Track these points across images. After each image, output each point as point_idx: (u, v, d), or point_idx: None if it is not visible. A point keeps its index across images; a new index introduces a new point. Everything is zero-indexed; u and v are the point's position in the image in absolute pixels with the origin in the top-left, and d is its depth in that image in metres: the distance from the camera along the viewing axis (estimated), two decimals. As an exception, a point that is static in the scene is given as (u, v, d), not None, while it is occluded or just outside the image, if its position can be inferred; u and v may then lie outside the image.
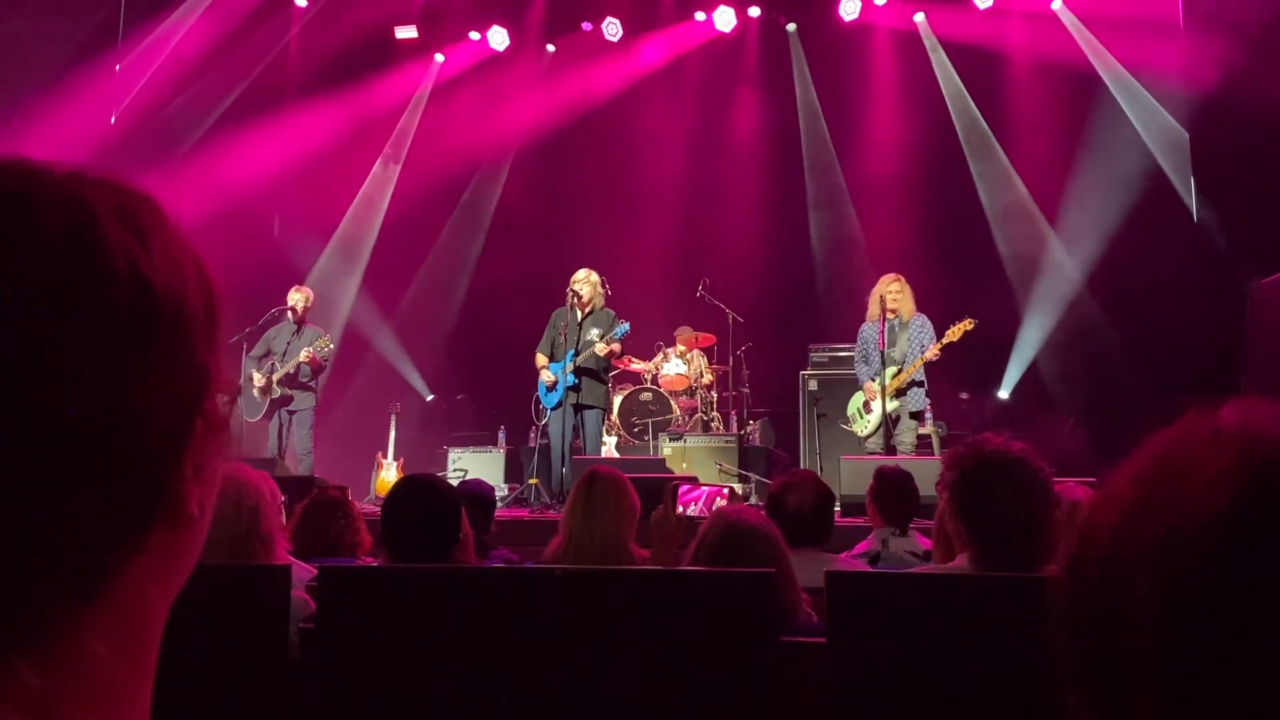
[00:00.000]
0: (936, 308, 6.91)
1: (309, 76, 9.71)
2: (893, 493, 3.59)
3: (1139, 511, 0.52)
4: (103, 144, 7.73)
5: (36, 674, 0.46)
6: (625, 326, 6.89)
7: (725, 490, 5.63)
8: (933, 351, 6.43)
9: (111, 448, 0.48)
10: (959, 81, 9.35)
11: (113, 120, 8.07)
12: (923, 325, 6.64)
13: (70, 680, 0.47)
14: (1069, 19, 8.98)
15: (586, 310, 7.06)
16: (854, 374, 7.00)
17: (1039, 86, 9.09)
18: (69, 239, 0.48)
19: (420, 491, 2.64)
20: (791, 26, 9.92)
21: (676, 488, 3.01)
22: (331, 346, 7.45)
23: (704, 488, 5.64)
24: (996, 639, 1.94)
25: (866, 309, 6.84)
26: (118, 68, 8.11)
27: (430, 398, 9.85)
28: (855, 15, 9.44)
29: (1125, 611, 0.50)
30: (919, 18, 9.54)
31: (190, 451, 0.52)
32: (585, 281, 7.06)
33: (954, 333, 6.46)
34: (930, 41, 9.48)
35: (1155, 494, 0.51)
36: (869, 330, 6.78)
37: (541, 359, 7.16)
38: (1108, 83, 8.70)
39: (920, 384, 6.60)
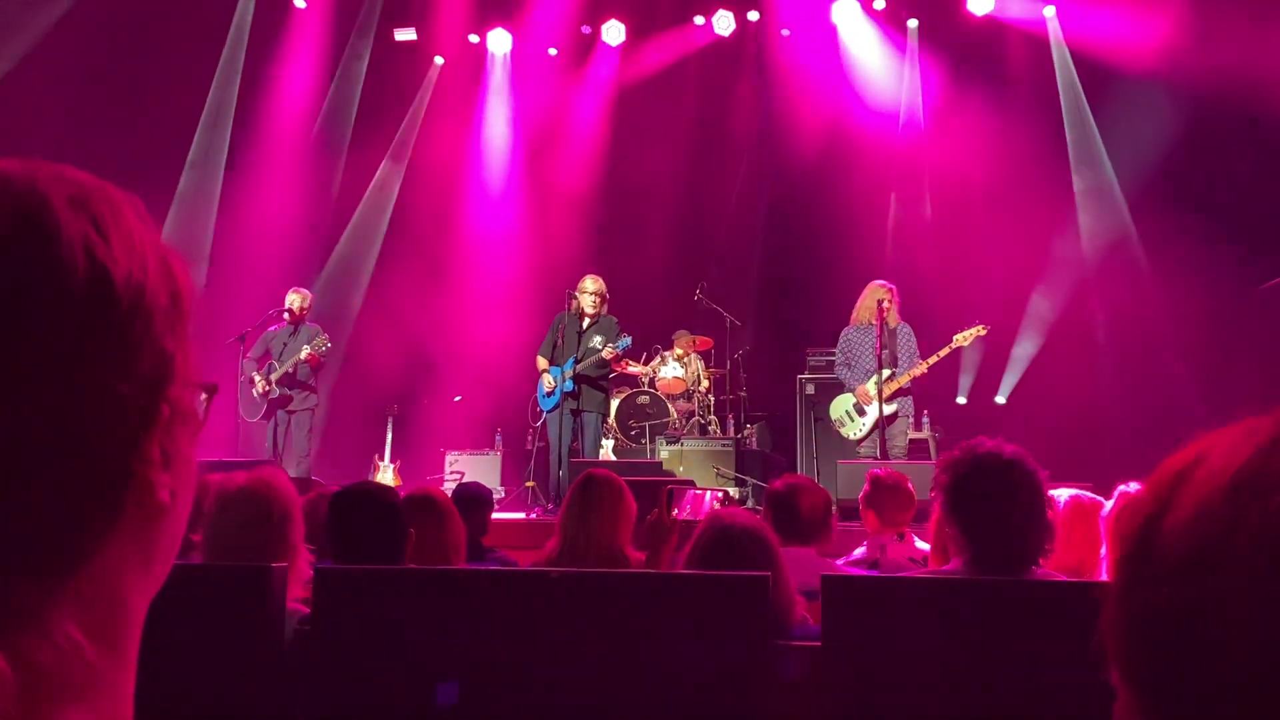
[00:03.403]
0: (936, 313, 6.94)
1: (307, 77, 9.71)
2: (888, 497, 3.59)
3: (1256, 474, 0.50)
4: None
5: (9, 659, 0.46)
6: (627, 340, 6.92)
7: (721, 493, 5.64)
8: (922, 367, 6.47)
9: (70, 432, 0.48)
10: (952, 85, 9.36)
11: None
12: (908, 334, 6.67)
13: (45, 666, 0.48)
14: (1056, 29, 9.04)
15: (591, 317, 7.08)
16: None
17: (1036, 89, 9.11)
18: (21, 227, 0.49)
19: (358, 501, 2.67)
20: (785, 31, 9.94)
21: (672, 491, 3.01)
22: (329, 345, 7.46)
23: (700, 491, 5.64)
24: (992, 642, 1.94)
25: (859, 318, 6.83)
26: None
27: (427, 400, 9.85)
28: (854, 21, 9.48)
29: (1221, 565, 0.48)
30: (912, 24, 9.56)
31: (156, 437, 0.52)
32: (592, 292, 7.07)
33: (964, 338, 6.46)
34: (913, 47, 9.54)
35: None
36: (856, 335, 6.76)
37: (543, 362, 7.19)
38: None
39: (908, 392, 6.63)
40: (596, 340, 6.96)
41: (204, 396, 0.58)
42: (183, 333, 0.54)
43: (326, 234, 9.77)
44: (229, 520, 2.35)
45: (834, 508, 3.71)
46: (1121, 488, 2.67)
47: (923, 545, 3.52)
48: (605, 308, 7.18)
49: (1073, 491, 3.06)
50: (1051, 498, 2.17)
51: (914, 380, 6.59)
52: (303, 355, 7.29)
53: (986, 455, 2.11)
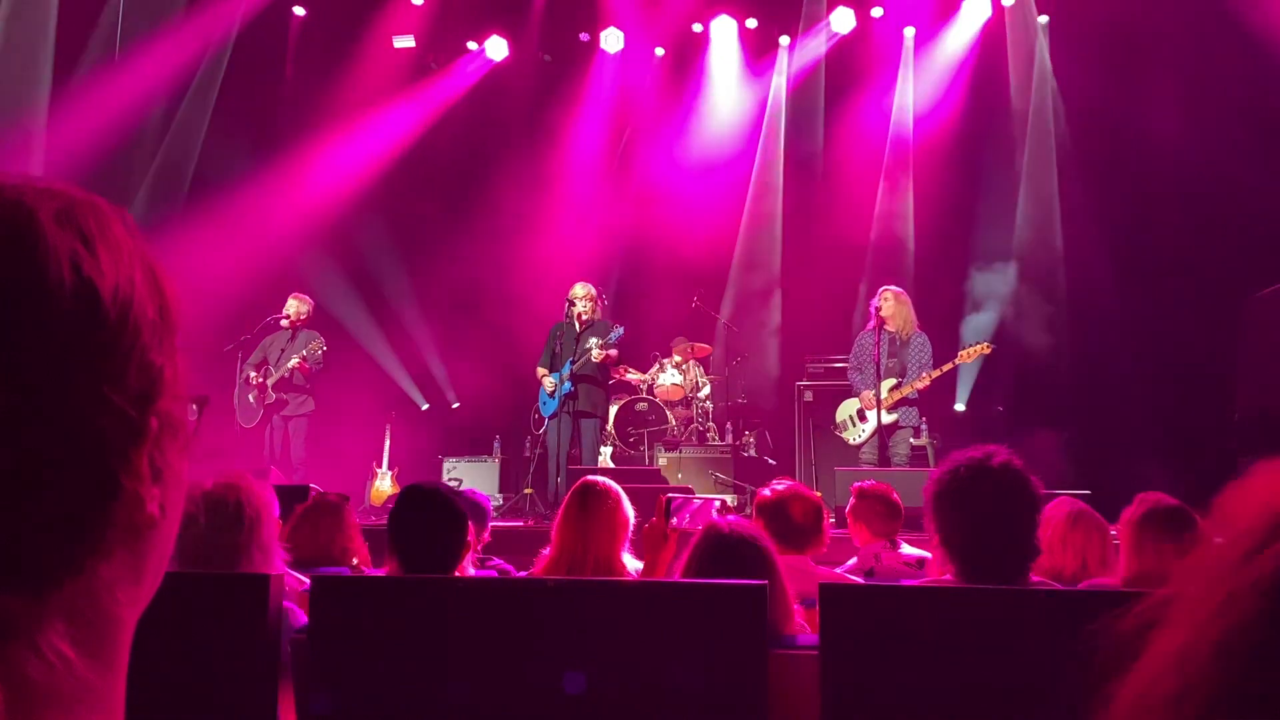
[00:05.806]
0: (938, 321, 6.96)
1: (307, 84, 9.73)
2: (877, 508, 3.59)
3: None
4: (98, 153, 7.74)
5: None
6: (619, 330, 6.98)
7: (718, 501, 5.63)
8: (924, 380, 6.49)
9: (58, 446, 0.48)
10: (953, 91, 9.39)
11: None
12: (923, 345, 6.69)
13: (33, 680, 0.48)
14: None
15: (585, 323, 7.14)
16: (849, 386, 7.06)
17: (1030, 93, 9.14)
18: (6, 242, 0.49)
19: (425, 499, 2.64)
20: (784, 39, 9.96)
21: (670, 499, 3.01)
22: (324, 348, 7.49)
23: (697, 499, 5.64)
24: (987, 650, 1.95)
25: (865, 322, 6.91)
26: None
27: (425, 406, 9.85)
28: (849, 28, 9.51)
29: None
30: (909, 32, 9.58)
31: (145, 451, 0.52)
32: (585, 297, 7.14)
33: (968, 355, 6.50)
34: (908, 58, 9.57)
35: None
36: (867, 340, 6.83)
37: (542, 371, 7.26)
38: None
39: (913, 402, 6.66)
40: (592, 341, 7.02)
41: (194, 409, 0.58)
42: (171, 346, 0.55)
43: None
44: (199, 525, 2.33)
45: (829, 514, 3.71)
46: (1142, 495, 2.67)
47: (912, 551, 3.52)
48: (599, 311, 7.26)
49: (1071, 498, 3.06)
50: (1043, 506, 2.17)
51: (918, 390, 6.63)
52: (293, 362, 7.34)
53: (973, 465, 2.10)
